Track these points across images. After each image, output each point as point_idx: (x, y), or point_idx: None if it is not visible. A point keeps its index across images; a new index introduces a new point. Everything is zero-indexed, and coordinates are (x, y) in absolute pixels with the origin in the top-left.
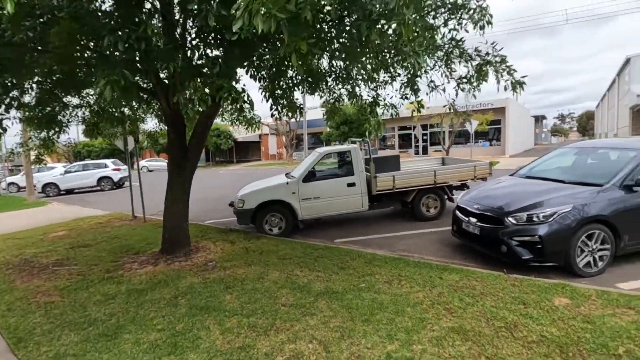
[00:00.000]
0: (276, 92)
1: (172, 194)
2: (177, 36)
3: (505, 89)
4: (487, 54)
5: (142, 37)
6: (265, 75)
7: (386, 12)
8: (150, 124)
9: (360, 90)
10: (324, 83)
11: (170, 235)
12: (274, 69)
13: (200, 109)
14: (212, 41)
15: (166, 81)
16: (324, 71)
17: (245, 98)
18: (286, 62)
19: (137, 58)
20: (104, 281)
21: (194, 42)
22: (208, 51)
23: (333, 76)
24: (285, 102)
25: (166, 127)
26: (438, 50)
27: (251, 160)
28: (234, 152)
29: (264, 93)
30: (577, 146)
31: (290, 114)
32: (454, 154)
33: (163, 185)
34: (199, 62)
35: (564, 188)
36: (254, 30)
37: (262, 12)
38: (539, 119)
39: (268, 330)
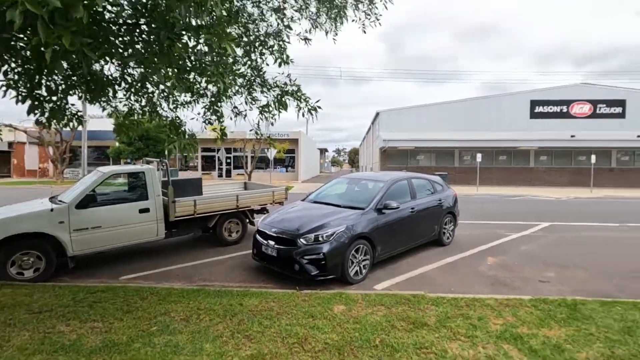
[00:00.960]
0: (36, 91)
1: None
2: None
3: (304, 115)
4: (285, 84)
5: None
6: (19, 68)
7: (198, 26)
8: None
9: (160, 107)
10: (110, 91)
11: None
12: (33, 62)
13: None
14: None
15: None
16: (110, 78)
17: None
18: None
19: None
20: None
21: None
22: None
23: (125, 86)
24: (53, 106)
25: None
26: (241, 77)
27: None
28: None
29: (17, 91)
30: (348, 177)
31: (59, 123)
32: (255, 178)
33: None
34: None
35: (340, 211)
36: None
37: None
38: (322, 151)
39: None
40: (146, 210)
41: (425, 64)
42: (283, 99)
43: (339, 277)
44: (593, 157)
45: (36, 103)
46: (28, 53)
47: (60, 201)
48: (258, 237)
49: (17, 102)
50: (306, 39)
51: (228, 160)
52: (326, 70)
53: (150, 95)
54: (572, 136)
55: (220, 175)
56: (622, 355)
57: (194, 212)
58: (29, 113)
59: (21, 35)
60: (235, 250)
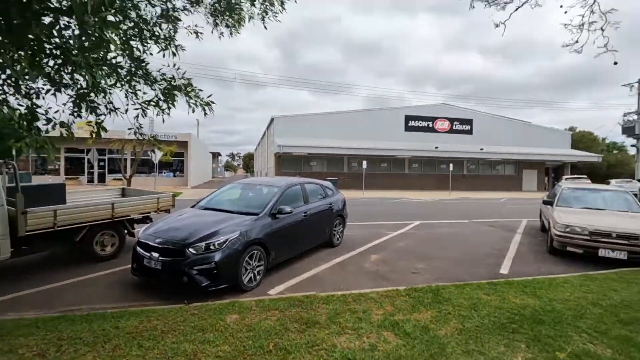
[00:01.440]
0: None
1: None
2: None
3: (194, 111)
4: (173, 78)
5: None
6: None
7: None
8: None
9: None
10: None
11: None
12: None
13: None
14: None
15: None
16: None
17: None
18: None
19: None
20: None
21: None
22: None
23: None
24: None
25: None
26: (118, 68)
27: None
28: None
29: None
30: (242, 182)
31: None
32: (137, 184)
33: None
34: None
35: (233, 217)
36: None
37: None
38: (215, 155)
39: None
40: None
41: (318, 74)
42: (173, 93)
43: (232, 285)
44: (451, 166)
45: None
46: None
47: None
48: (139, 249)
49: None
50: (197, 33)
51: (101, 164)
52: (219, 71)
53: None
54: (436, 147)
55: (91, 181)
56: (470, 327)
57: (54, 225)
58: None
59: None
60: (112, 266)
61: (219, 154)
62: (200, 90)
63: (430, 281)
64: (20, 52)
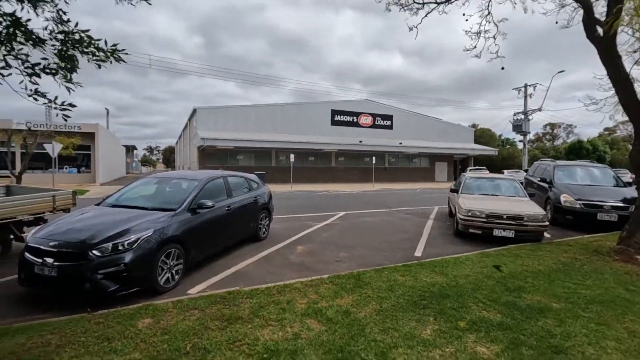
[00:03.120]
0: None
1: None
2: None
3: (100, 67)
4: (66, 34)
5: None
6: None
7: None
8: None
9: None
10: None
11: None
12: None
13: None
14: None
15: None
16: None
17: None
18: None
19: None
20: None
21: None
22: None
23: None
24: None
25: None
26: None
27: None
28: None
29: None
30: (157, 176)
31: None
32: (30, 181)
33: None
34: None
35: (147, 214)
36: None
37: None
38: (130, 149)
39: None
40: None
41: (244, 65)
42: (69, 55)
43: (146, 288)
44: (373, 159)
45: None
46: None
47: None
48: (28, 255)
49: None
50: None
51: None
52: (132, 56)
53: None
54: (360, 141)
55: None
56: (387, 307)
57: None
58: None
59: None
60: None
61: (135, 148)
62: (97, 40)
63: (353, 268)
64: None
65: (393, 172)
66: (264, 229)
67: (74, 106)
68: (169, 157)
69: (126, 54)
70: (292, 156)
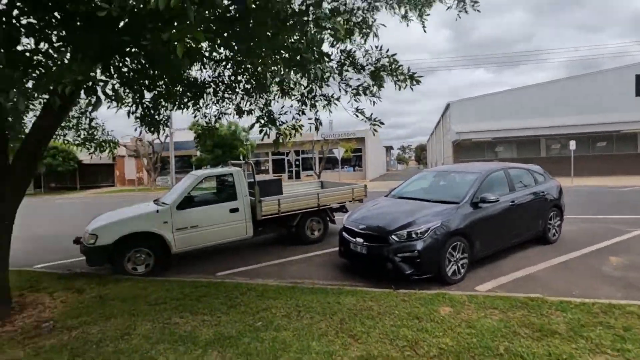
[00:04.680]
0: (144, 101)
1: None
2: None
3: (400, 88)
4: (378, 59)
5: None
6: (130, 76)
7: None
8: None
9: (245, 104)
10: (207, 94)
11: None
12: (145, 68)
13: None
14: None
15: None
16: (205, 82)
17: (109, 90)
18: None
19: None
20: None
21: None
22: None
23: (213, 87)
24: (154, 115)
25: None
26: (331, 61)
27: (102, 186)
28: (77, 177)
29: (130, 105)
30: (434, 170)
31: (157, 131)
32: (325, 179)
33: None
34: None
35: (432, 206)
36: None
37: None
38: (388, 149)
39: None
40: (236, 210)
41: (495, 48)
42: (381, 74)
43: (435, 276)
44: None
45: (143, 113)
46: (131, 65)
47: (163, 203)
48: (345, 234)
49: (128, 114)
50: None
51: (297, 163)
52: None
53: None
54: None
55: (290, 177)
56: None
57: (278, 211)
58: (141, 123)
59: (126, 38)
60: (318, 249)
61: (392, 148)
62: (401, 65)
63: None
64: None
65: None
66: (554, 230)
67: (382, 123)
68: (420, 155)
69: (420, 76)
70: (572, 143)
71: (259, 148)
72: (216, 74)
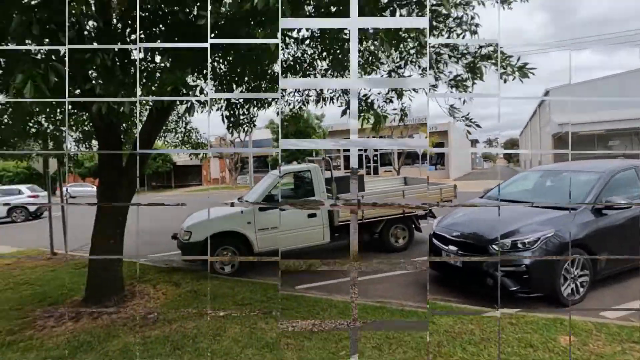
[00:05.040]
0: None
1: (101, 226)
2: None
3: (505, 81)
4: (480, 47)
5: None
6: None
7: None
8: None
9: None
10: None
11: (98, 279)
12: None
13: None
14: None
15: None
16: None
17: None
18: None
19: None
20: (4, 348)
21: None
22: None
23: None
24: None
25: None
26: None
27: (192, 185)
28: (172, 177)
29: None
30: (541, 169)
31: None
32: (403, 174)
33: (90, 214)
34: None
35: (539, 212)
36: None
37: None
38: (473, 143)
39: None
40: (313, 215)
41: (601, 28)
42: (478, 65)
43: (547, 295)
44: None
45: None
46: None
47: (245, 201)
48: (435, 241)
49: (223, 118)
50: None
51: (375, 158)
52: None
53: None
54: None
55: (367, 174)
56: None
57: (362, 217)
58: (229, 123)
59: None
60: (402, 258)
61: (477, 141)
62: (510, 56)
63: None
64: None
65: None
66: None
67: (479, 126)
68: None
69: (533, 68)
70: None
71: (331, 135)
72: (299, 53)
